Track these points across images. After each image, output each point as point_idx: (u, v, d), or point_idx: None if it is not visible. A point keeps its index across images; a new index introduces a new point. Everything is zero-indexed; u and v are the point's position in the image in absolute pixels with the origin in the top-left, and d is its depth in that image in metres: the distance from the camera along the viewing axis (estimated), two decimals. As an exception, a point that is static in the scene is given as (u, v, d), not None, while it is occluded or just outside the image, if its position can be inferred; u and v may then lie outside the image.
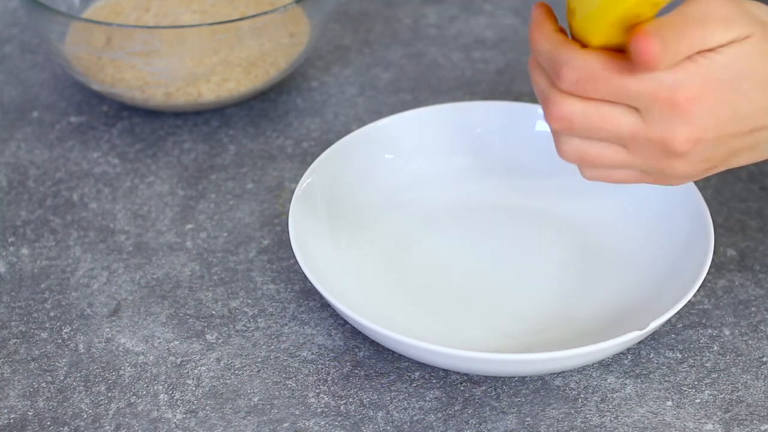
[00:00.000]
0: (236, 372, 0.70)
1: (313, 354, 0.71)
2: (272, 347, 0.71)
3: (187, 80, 0.84)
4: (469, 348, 0.67)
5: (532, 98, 0.90)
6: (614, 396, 0.68)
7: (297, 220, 0.73)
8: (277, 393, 0.69)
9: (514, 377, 0.69)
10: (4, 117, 0.89)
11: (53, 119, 0.89)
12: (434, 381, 0.69)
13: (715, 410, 0.67)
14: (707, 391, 0.68)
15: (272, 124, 0.88)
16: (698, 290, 0.74)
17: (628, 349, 0.71)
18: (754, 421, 0.67)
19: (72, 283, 0.75)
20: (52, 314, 0.73)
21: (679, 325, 0.72)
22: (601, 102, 0.62)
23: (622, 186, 0.77)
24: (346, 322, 0.73)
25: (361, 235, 0.76)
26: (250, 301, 0.74)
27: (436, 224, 0.78)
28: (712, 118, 0.61)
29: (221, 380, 0.69)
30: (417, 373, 0.70)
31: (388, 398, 0.68)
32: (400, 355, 0.70)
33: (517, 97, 0.90)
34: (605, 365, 0.70)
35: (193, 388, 0.69)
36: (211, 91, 0.85)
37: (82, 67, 0.85)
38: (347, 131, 0.86)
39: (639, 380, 0.69)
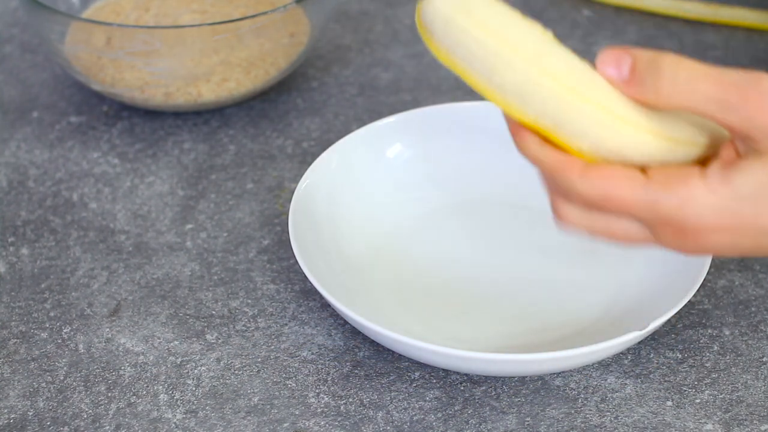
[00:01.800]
0: (236, 372, 0.70)
1: (313, 354, 0.71)
2: (272, 347, 0.71)
3: (187, 80, 0.84)
4: (469, 348, 0.67)
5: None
6: (614, 396, 0.68)
7: (297, 220, 0.73)
8: (277, 393, 0.69)
9: (514, 377, 0.69)
10: (4, 117, 0.89)
11: (53, 119, 0.88)
12: (434, 381, 0.69)
13: (715, 410, 0.67)
14: (707, 391, 0.68)
15: (272, 124, 0.88)
16: (698, 290, 0.74)
17: (628, 349, 0.71)
18: (754, 421, 0.67)
19: (72, 283, 0.75)
20: (52, 314, 0.73)
21: (679, 325, 0.72)
22: (610, 215, 0.59)
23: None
24: (346, 322, 0.72)
25: (360, 234, 0.76)
26: (250, 301, 0.74)
27: (435, 224, 0.78)
28: (729, 244, 0.58)
29: (221, 380, 0.69)
30: (417, 373, 0.70)
31: (388, 398, 0.68)
32: (400, 355, 0.70)
33: (517, 97, 0.90)
34: (605, 365, 0.70)
35: (193, 388, 0.69)
36: (211, 91, 0.85)
37: (82, 67, 0.85)
38: (347, 131, 0.86)
39: (639, 380, 0.69)
